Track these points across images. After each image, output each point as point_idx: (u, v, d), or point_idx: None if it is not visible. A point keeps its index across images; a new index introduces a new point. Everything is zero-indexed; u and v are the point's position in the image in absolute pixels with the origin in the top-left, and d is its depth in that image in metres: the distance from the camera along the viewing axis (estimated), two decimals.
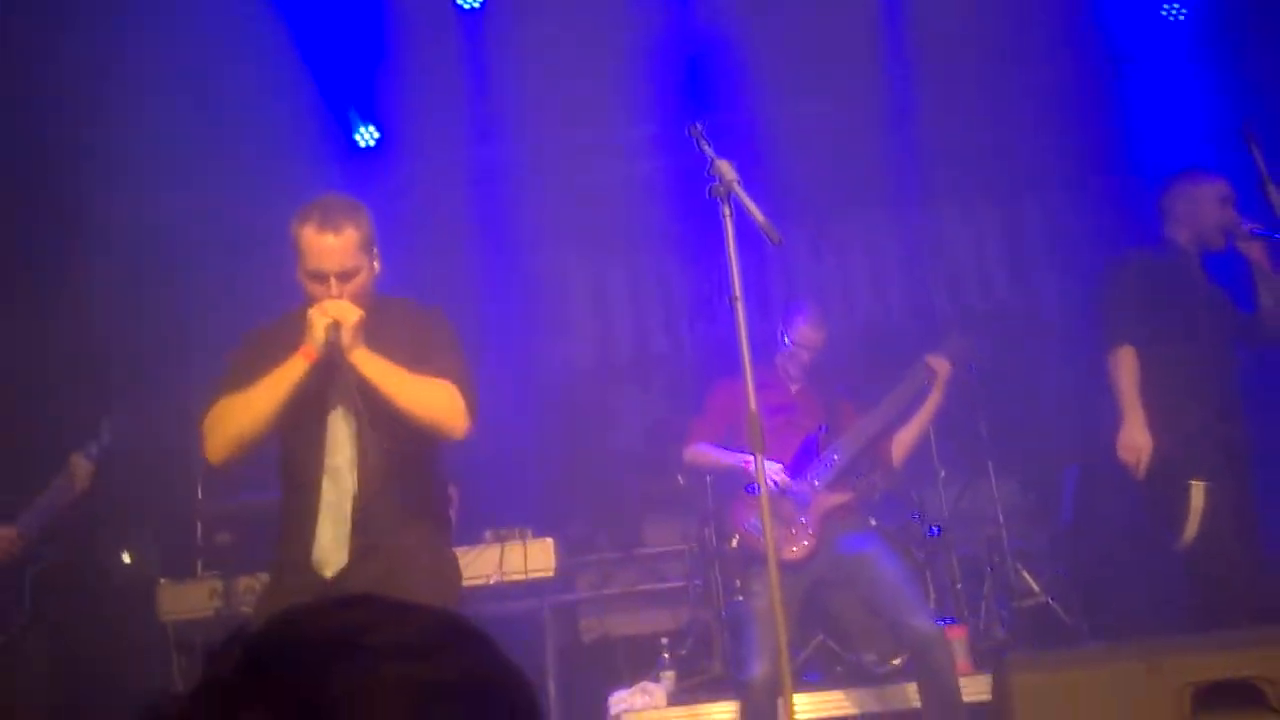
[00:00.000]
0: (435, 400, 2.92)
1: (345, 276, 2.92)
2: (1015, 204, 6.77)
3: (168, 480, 5.13)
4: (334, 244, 2.90)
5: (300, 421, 2.92)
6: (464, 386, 2.95)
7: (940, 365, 4.48)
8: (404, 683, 0.69)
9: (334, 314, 2.86)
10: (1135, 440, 4.04)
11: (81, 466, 4.31)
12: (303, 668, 0.69)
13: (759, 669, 4.00)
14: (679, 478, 5.48)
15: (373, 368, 2.89)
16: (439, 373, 2.94)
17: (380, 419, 2.92)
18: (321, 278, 2.92)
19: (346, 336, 2.85)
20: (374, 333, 2.90)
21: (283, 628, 0.74)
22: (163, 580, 4.85)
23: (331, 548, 2.89)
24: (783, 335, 4.56)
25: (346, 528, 2.90)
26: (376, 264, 3.02)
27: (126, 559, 5.03)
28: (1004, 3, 5.92)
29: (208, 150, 5.53)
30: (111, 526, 5.07)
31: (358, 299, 2.93)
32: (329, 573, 2.86)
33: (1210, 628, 3.70)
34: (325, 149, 6.28)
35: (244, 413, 2.87)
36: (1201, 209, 4.25)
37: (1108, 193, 6.09)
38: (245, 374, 2.92)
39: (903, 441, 4.54)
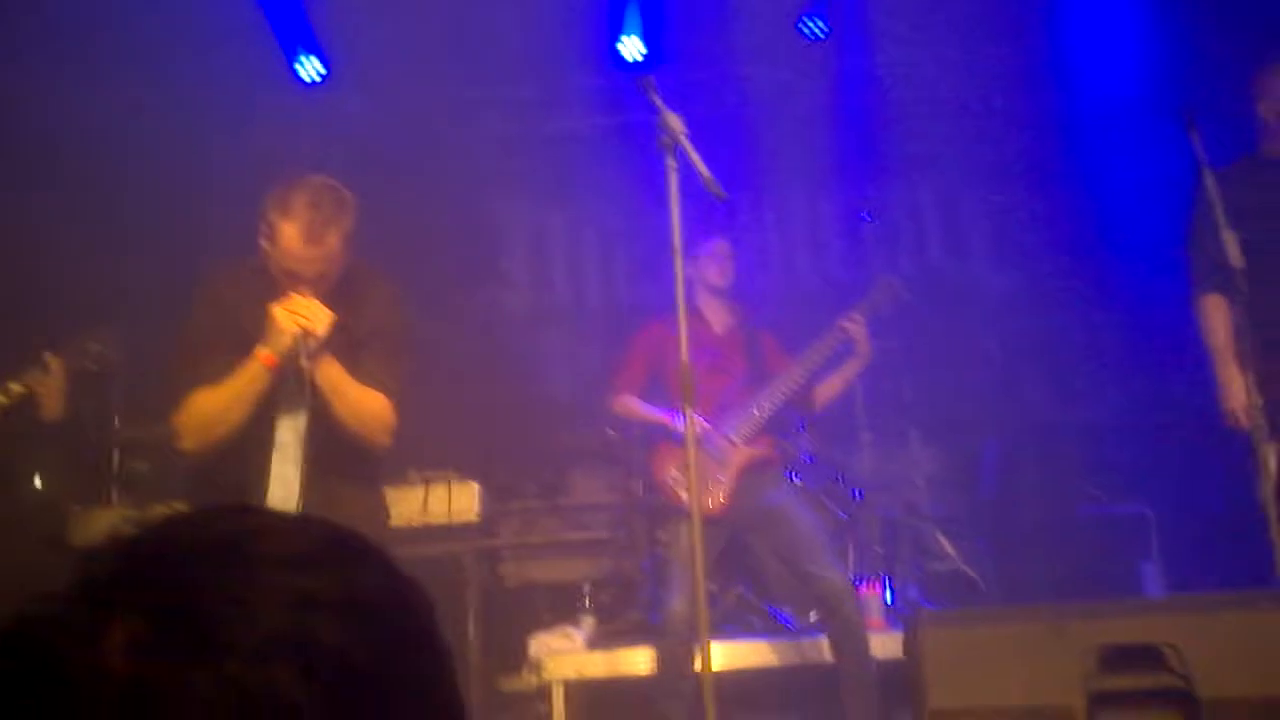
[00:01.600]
0: (372, 418, 3.00)
1: (321, 280, 2.90)
2: (951, 173, 6.82)
3: (83, 404, 4.99)
4: (316, 255, 2.87)
5: None
6: (395, 405, 3.03)
7: (855, 328, 4.47)
8: (286, 593, 0.66)
9: (304, 322, 2.82)
10: (1230, 405, 3.54)
11: (55, 371, 3.83)
12: (181, 573, 0.66)
13: (675, 607, 4.07)
14: (608, 430, 5.49)
15: (328, 378, 2.90)
16: (378, 379, 3.00)
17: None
18: (295, 276, 2.89)
19: (314, 346, 2.84)
20: (334, 299, 2.90)
21: (162, 533, 0.70)
22: (76, 506, 4.74)
23: (285, 500, 2.92)
24: (689, 269, 4.51)
25: (295, 491, 2.94)
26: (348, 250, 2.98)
27: (38, 483, 4.89)
28: None
29: (140, 81, 5.32)
30: (21, 449, 4.92)
31: (325, 281, 2.91)
32: None
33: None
34: (265, 79, 6.09)
35: (218, 421, 2.89)
36: None
37: (1046, 164, 6.17)
38: (211, 360, 2.89)
39: (825, 392, 4.59)
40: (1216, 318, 3.66)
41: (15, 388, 3.92)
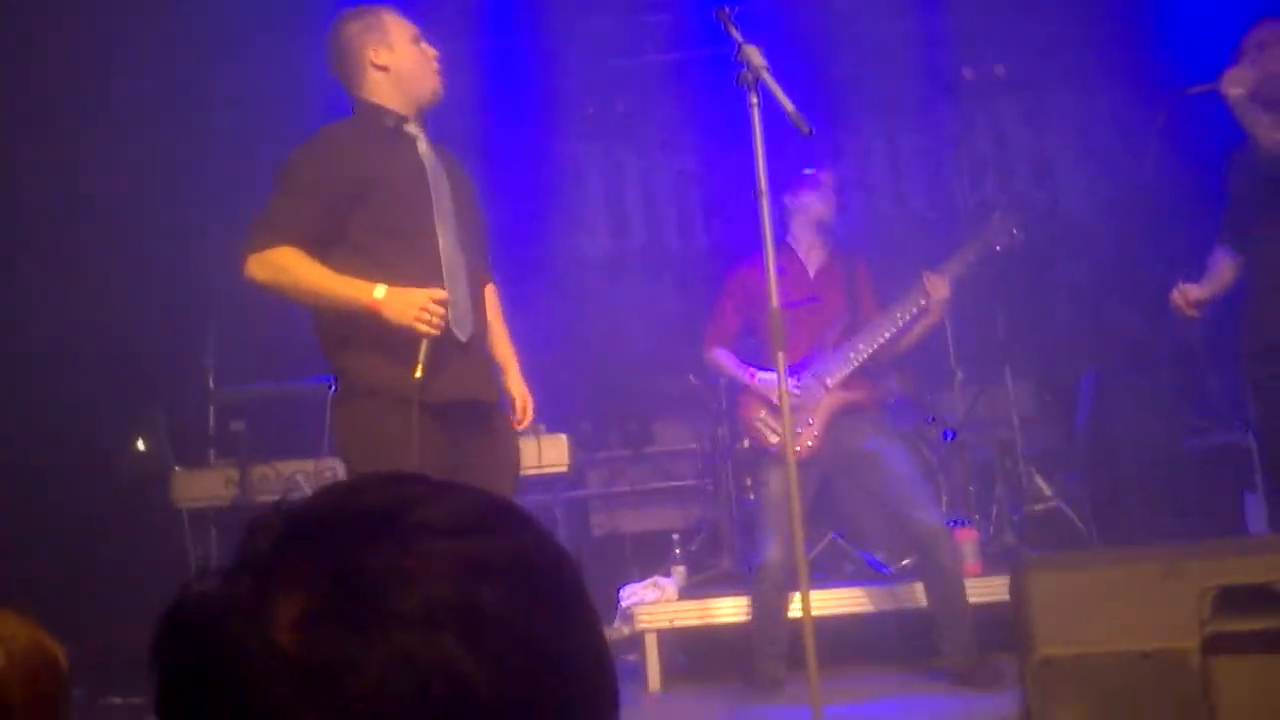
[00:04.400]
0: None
1: (436, 100, 3.12)
2: (1042, 95, 6.56)
3: (179, 367, 5.08)
4: (436, 64, 3.12)
5: (406, 217, 2.96)
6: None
7: (936, 287, 4.27)
8: (446, 560, 0.66)
9: (427, 323, 2.82)
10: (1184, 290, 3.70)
11: None
12: (342, 544, 0.67)
13: (770, 554, 4.05)
14: (690, 377, 5.45)
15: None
16: (488, 267, 3.29)
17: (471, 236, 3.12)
18: (420, 95, 3.09)
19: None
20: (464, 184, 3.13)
21: (322, 503, 0.71)
22: (177, 468, 4.85)
23: (464, 316, 2.98)
24: (789, 203, 4.44)
25: (468, 305, 3.01)
26: None
27: (140, 446, 5.00)
28: None
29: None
30: (123, 414, 5.04)
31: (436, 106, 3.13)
32: (464, 336, 2.97)
33: None
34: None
35: (293, 289, 2.85)
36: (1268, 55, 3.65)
37: (1139, 88, 5.90)
38: (310, 204, 2.87)
39: (907, 341, 4.41)
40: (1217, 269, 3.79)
41: None
